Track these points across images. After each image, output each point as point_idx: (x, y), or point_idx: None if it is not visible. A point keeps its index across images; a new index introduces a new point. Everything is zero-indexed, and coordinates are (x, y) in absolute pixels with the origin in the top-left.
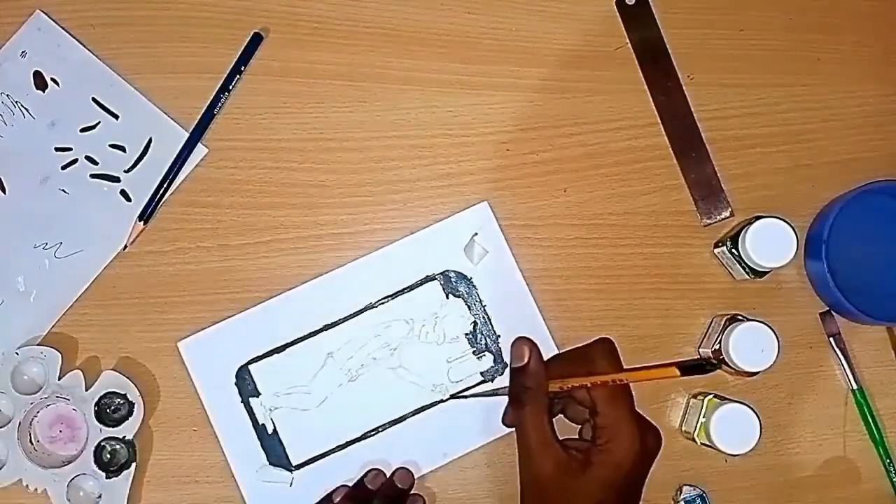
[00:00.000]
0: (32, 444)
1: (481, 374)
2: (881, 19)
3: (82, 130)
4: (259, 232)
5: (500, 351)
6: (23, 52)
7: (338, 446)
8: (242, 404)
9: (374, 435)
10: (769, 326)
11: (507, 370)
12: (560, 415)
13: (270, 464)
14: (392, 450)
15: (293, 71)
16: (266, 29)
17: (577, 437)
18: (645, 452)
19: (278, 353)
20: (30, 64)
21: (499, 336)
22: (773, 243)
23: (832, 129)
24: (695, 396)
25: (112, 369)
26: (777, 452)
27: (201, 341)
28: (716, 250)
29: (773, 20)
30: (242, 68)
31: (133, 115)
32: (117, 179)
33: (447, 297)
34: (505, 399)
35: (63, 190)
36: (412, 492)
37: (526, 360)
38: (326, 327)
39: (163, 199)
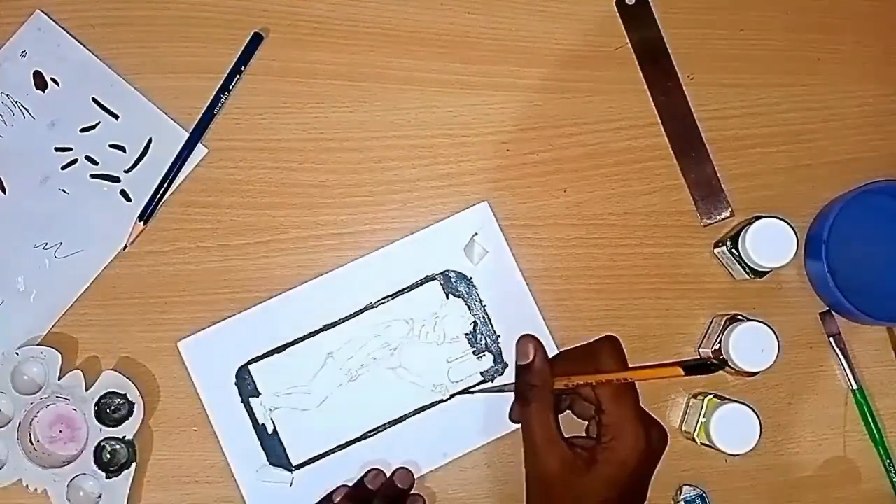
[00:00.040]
0: (32, 444)
1: (481, 374)
2: (881, 19)
3: (82, 130)
4: (259, 232)
5: (500, 351)
6: (23, 52)
7: (338, 446)
8: (242, 404)
9: (374, 435)
10: (769, 326)
11: (507, 370)
12: (568, 410)
13: (270, 464)
14: (392, 450)
15: (293, 71)
16: (266, 29)
17: (583, 434)
18: (650, 451)
19: (278, 353)
20: (30, 64)
21: (499, 336)
22: (773, 243)
23: (832, 129)
24: (695, 396)
25: (112, 369)
26: (777, 452)
27: (201, 341)
28: (716, 250)
29: (773, 20)
30: (242, 68)
31: (133, 115)
32: (117, 179)
33: (447, 297)
34: (512, 395)
35: (63, 190)
36: (412, 492)
37: (531, 357)
38: (326, 327)
39: (163, 199)
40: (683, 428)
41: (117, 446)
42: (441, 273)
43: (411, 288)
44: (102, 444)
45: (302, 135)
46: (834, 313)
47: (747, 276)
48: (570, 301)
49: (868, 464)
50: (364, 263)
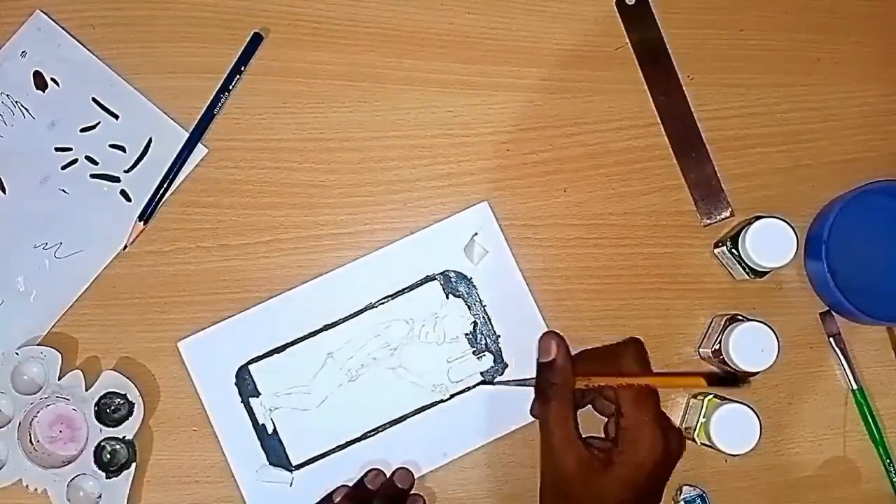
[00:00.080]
0: (32, 444)
1: (481, 374)
2: (881, 19)
3: (82, 130)
4: (259, 232)
5: (500, 351)
6: (23, 52)
7: (338, 446)
8: (242, 404)
9: (374, 435)
10: (769, 326)
11: (507, 370)
12: (589, 405)
13: (270, 464)
14: (392, 450)
15: (293, 71)
16: (266, 29)
17: (602, 434)
18: (667, 456)
19: (278, 353)
20: (30, 64)
21: (499, 336)
22: (773, 243)
23: (832, 129)
24: (695, 396)
25: (112, 369)
26: (777, 452)
27: (201, 341)
28: (716, 250)
29: (773, 20)
30: (242, 68)
31: (133, 115)
32: (117, 179)
33: (447, 297)
34: (531, 390)
35: (63, 190)
36: (412, 492)
37: (553, 355)
38: (326, 327)
39: (163, 199)
40: (684, 428)
41: (117, 446)
42: (441, 273)
43: (411, 288)
44: (102, 444)
45: (302, 135)
46: (834, 313)
47: (747, 276)
48: (570, 301)
49: (868, 464)
50: (364, 263)
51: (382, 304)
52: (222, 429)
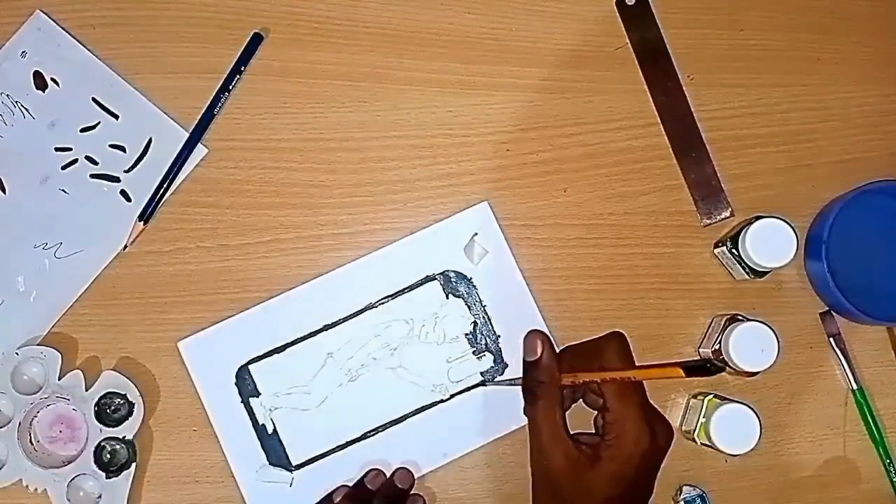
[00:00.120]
0: (32, 444)
1: (481, 374)
2: (881, 19)
3: (82, 130)
4: (259, 232)
5: (500, 351)
6: (23, 52)
7: (338, 446)
8: (242, 404)
9: (374, 435)
10: (769, 326)
11: (507, 370)
12: (580, 400)
13: (270, 464)
14: (392, 450)
15: (293, 71)
16: (266, 29)
17: (590, 431)
18: (654, 447)
19: (278, 353)
20: (30, 64)
21: (499, 336)
22: (773, 243)
23: (832, 129)
24: (695, 396)
25: (112, 369)
26: (777, 452)
27: (201, 341)
28: (716, 250)
29: (773, 20)
30: (242, 68)
31: (133, 115)
32: (117, 179)
33: (447, 297)
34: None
35: (63, 190)
36: (412, 492)
37: (539, 353)
38: (326, 327)
39: (163, 199)
40: (683, 428)
41: (117, 446)
42: (441, 273)
43: (411, 288)
44: (102, 444)
45: (302, 135)
46: (834, 313)
47: (747, 276)
48: (570, 301)
49: (868, 464)
50: (364, 263)
51: (382, 304)
52: (222, 429)
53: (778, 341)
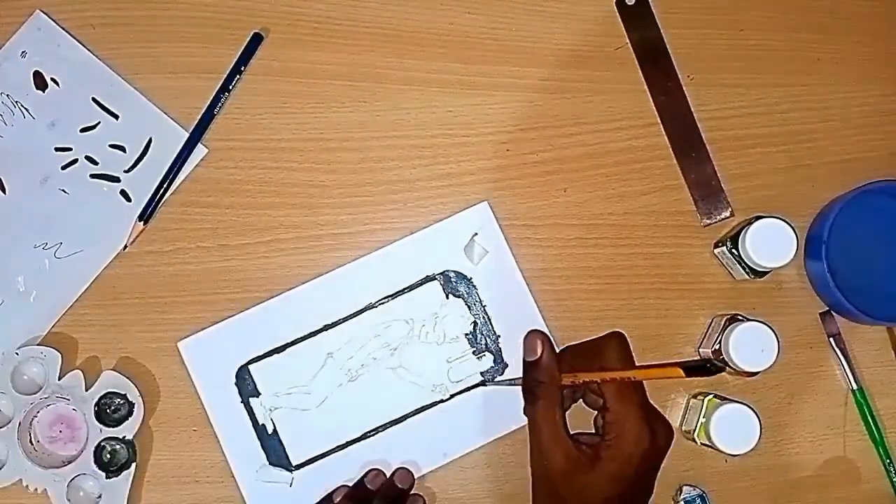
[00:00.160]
0: (32, 444)
1: (481, 374)
2: (881, 19)
3: (82, 130)
4: (259, 232)
5: (500, 351)
6: (23, 52)
7: (338, 446)
8: (242, 404)
9: (374, 435)
10: (769, 326)
11: (507, 370)
12: (580, 399)
13: (270, 464)
14: (392, 450)
15: (293, 71)
16: (266, 29)
17: (591, 430)
18: (654, 447)
19: (278, 353)
20: (30, 64)
21: (499, 336)
22: (773, 243)
23: (832, 129)
24: (695, 396)
25: (112, 369)
26: (777, 452)
27: (201, 341)
28: (716, 250)
29: (773, 20)
30: (242, 68)
31: (133, 115)
32: (117, 179)
33: (447, 297)
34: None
35: (63, 190)
36: (412, 492)
37: (539, 353)
38: (326, 327)
39: (163, 199)
40: (683, 428)
41: (117, 446)
42: (441, 273)
43: (411, 288)
44: (102, 444)
45: (302, 135)
46: (834, 313)
47: (747, 276)
48: (570, 301)
49: (868, 464)
50: (364, 263)
51: (382, 304)
52: (222, 429)
53: (778, 341)
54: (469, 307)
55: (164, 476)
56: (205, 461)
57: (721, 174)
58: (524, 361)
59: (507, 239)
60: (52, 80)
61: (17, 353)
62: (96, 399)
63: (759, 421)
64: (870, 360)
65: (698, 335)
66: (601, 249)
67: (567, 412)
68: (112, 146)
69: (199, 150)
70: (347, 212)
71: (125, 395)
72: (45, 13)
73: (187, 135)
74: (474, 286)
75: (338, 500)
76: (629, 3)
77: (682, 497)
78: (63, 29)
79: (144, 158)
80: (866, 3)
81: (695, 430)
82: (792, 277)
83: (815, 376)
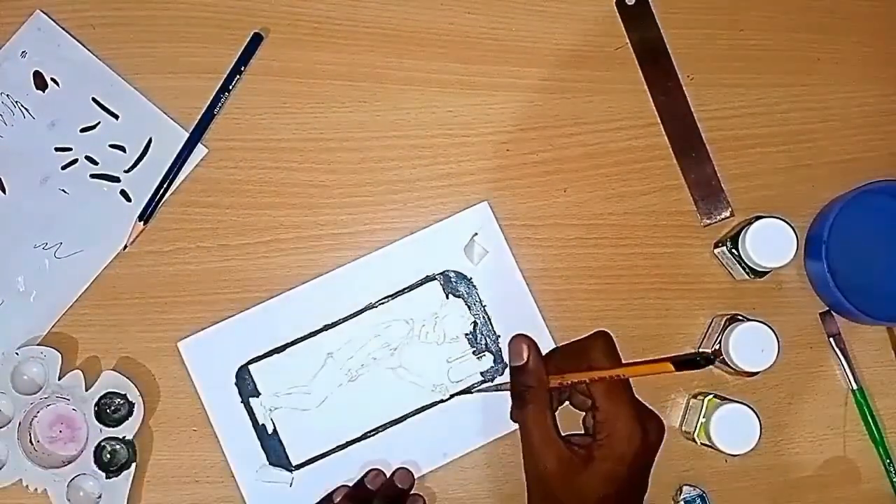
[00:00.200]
0: (32, 444)
1: (481, 374)
2: (881, 19)
3: (82, 130)
4: (259, 232)
5: (500, 351)
6: (23, 52)
7: (338, 446)
8: (242, 404)
9: (374, 435)
10: (769, 326)
11: (507, 370)
12: (566, 402)
13: (270, 464)
14: (392, 450)
15: (293, 71)
16: (266, 29)
17: (580, 432)
18: (646, 444)
19: (278, 353)
20: (30, 64)
21: (499, 336)
22: (773, 243)
23: (832, 129)
24: (695, 396)
25: (112, 369)
26: (777, 452)
27: (201, 341)
28: (716, 250)
29: (773, 20)
30: (242, 68)
31: (133, 115)
32: (117, 179)
33: (447, 297)
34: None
35: (63, 190)
36: (412, 492)
37: (525, 358)
38: (326, 327)
39: (163, 199)
40: (683, 428)
41: (117, 446)
42: (441, 273)
43: (411, 288)
44: (102, 444)
45: (302, 135)
46: (834, 313)
47: (747, 276)
48: (570, 301)
49: (868, 464)
50: (364, 263)
51: (382, 304)
52: (222, 429)
53: (778, 341)
54: (469, 307)
55: (164, 476)
56: (205, 461)
57: (721, 174)
58: (510, 367)
59: (507, 239)
60: (52, 80)
61: (17, 353)
62: (96, 399)
63: (759, 421)
64: (870, 360)
65: (698, 335)
66: (601, 249)
67: (555, 413)
68: (112, 146)
69: (199, 150)
70: (347, 212)
71: (125, 395)
72: (45, 13)
73: (187, 135)
74: (474, 286)
75: (338, 500)
76: (629, 3)
77: (682, 497)
78: (63, 29)
79: (144, 158)
80: (866, 3)
81: (695, 431)
82: (792, 277)
83: (815, 376)
